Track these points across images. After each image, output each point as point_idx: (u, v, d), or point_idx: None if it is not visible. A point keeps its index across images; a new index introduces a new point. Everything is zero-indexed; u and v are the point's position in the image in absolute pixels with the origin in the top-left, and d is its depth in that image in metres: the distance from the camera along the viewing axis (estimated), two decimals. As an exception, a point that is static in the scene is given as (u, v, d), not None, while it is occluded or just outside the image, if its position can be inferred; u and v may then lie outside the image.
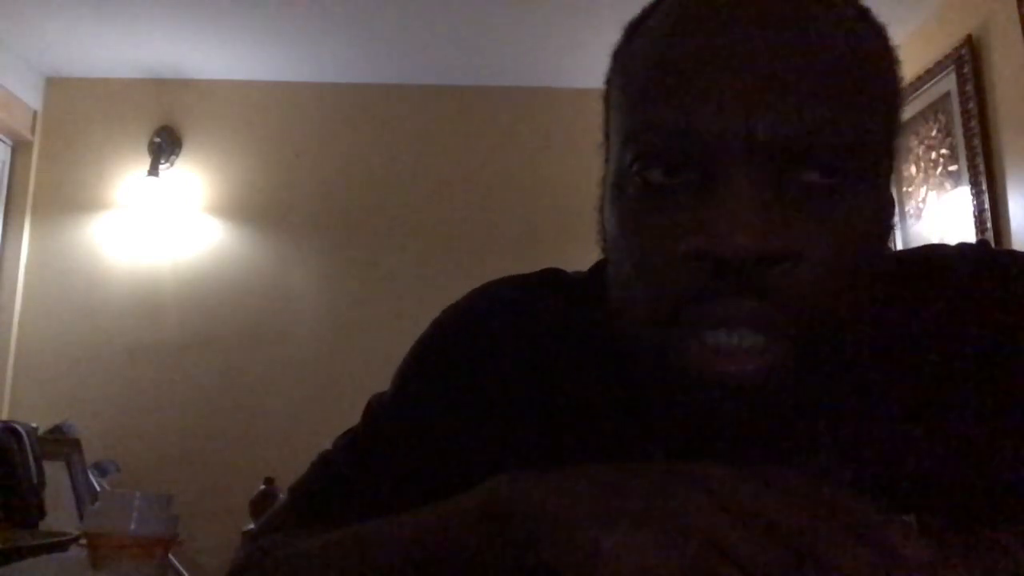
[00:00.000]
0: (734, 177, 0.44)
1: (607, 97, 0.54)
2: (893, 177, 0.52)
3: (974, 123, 2.52)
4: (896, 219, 0.52)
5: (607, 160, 0.53)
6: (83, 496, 2.56)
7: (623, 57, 0.53)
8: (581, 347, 0.57)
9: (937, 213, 2.73)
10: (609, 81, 0.54)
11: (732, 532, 0.35)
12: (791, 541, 0.35)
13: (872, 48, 0.49)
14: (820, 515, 0.36)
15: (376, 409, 0.63)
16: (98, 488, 2.62)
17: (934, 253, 0.58)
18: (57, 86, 3.39)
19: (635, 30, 0.53)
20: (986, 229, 2.47)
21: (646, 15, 0.53)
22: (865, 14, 0.51)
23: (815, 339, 0.45)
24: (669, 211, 0.46)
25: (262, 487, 2.37)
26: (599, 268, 0.63)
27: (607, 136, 0.54)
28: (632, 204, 0.48)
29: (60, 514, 2.35)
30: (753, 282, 0.43)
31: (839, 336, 0.46)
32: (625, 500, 0.38)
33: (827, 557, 0.34)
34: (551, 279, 0.63)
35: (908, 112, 2.87)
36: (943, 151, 2.69)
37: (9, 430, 2.27)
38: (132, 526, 1.03)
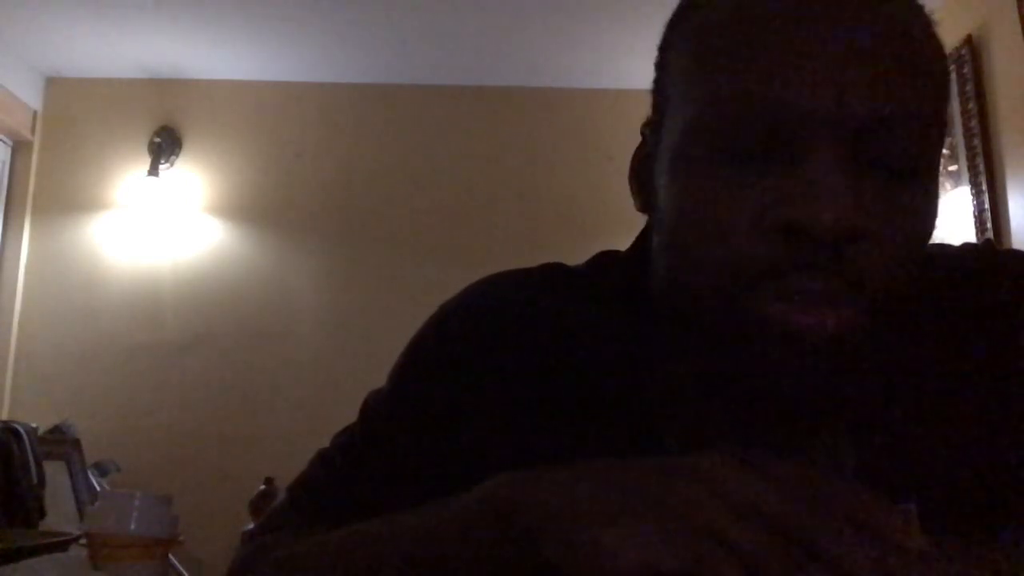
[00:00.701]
0: (822, 152, 0.44)
1: (663, 63, 0.53)
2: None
3: (974, 123, 2.52)
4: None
5: (661, 131, 0.52)
6: (83, 496, 2.56)
7: (689, 21, 0.51)
8: (582, 340, 0.57)
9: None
10: (669, 45, 0.53)
11: (732, 525, 0.35)
12: (791, 533, 0.35)
13: (937, 43, 0.49)
14: (820, 506, 0.36)
15: (373, 406, 0.63)
16: (98, 488, 2.62)
17: (939, 253, 0.58)
18: (57, 86, 3.39)
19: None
20: (986, 229, 2.47)
21: None
22: (925, 8, 0.51)
23: (884, 313, 0.46)
24: (750, 181, 0.46)
25: (262, 487, 2.37)
26: (600, 260, 0.63)
27: (662, 105, 0.53)
28: (707, 172, 0.47)
29: (60, 514, 2.35)
30: (834, 258, 0.43)
31: (898, 314, 0.47)
32: (625, 495, 0.38)
33: (827, 549, 0.34)
34: (550, 273, 0.63)
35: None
36: (943, 151, 2.69)
37: (9, 430, 2.28)
38: (132, 526, 1.03)
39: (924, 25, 0.48)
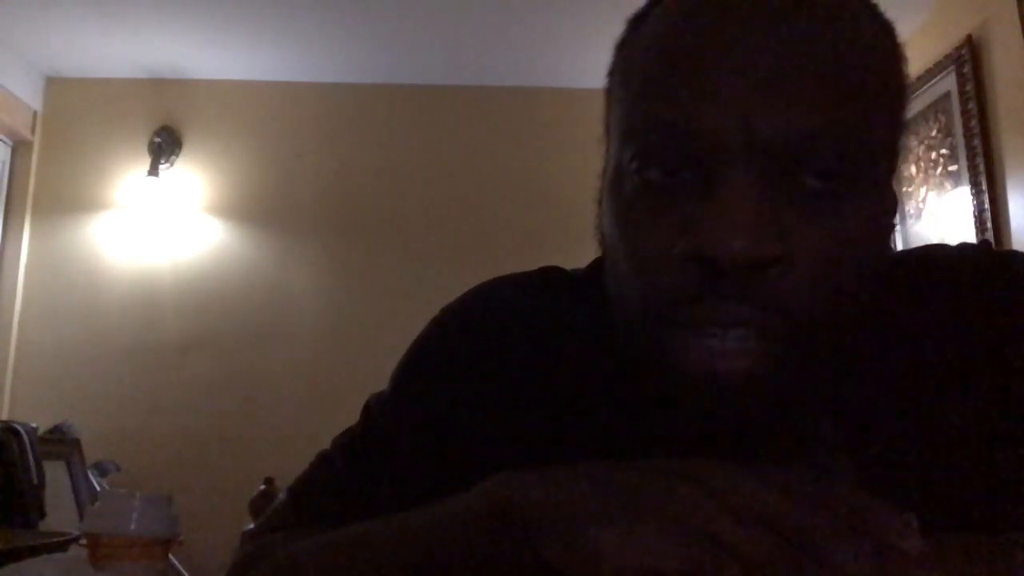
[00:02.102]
0: (732, 178, 0.43)
1: (609, 90, 0.53)
2: (895, 175, 0.51)
3: (974, 123, 2.52)
4: (897, 218, 0.51)
5: (605, 158, 0.53)
6: (83, 496, 2.56)
7: (625, 50, 0.52)
8: (580, 345, 0.57)
9: (937, 213, 2.73)
10: (611, 74, 0.53)
11: (732, 528, 0.35)
12: (790, 536, 0.35)
13: (878, 45, 0.48)
14: (818, 510, 0.36)
15: (374, 408, 0.63)
16: (98, 488, 2.62)
17: (935, 253, 0.58)
18: (57, 86, 3.39)
19: (639, 23, 0.52)
20: (986, 229, 2.47)
21: (649, 7, 0.52)
22: (872, 9, 0.50)
23: (807, 341, 0.44)
24: (666, 210, 0.45)
25: (262, 487, 2.36)
26: (598, 265, 0.63)
27: (607, 130, 0.53)
28: (629, 201, 0.48)
29: (60, 514, 2.35)
30: (746, 285, 0.43)
31: (834, 337, 0.46)
32: (625, 497, 0.38)
33: (825, 552, 0.34)
34: (550, 277, 0.63)
35: (908, 112, 2.86)
36: (943, 151, 2.69)
37: (9, 430, 2.28)
38: (132, 526, 1.03)
39: (855, 38, 0.46)
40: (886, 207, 0.49)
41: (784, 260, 0.43)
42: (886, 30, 0.50)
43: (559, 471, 0.41)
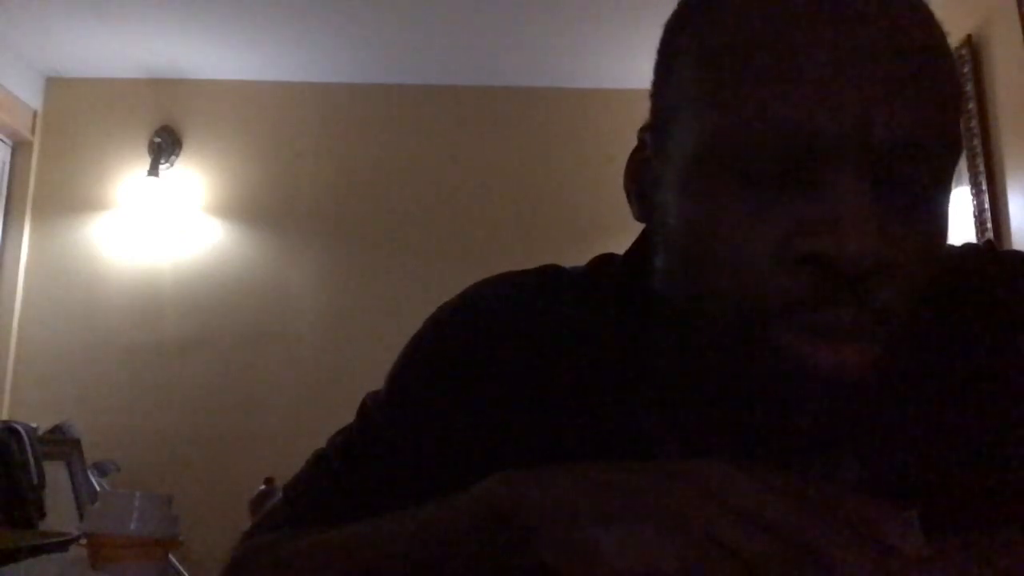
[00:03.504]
0: (846, 180, 0.42)
1: (667, 69, 0.50)
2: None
3: (974, 123, 2.52)
4: None
5: (660, 137, 0.50)
6: (83, 496, 2.56)
7: (696, 27, 0.48)
8: (580, 343, 0.57)
9: (937, 213, 2.73)
10: (673, 50, 0.50)
11: (732, 528, 0.35)
12: (791, 537, 0.35)
13: (952, 59, 0.48)
14: (820, 512, 0.36)
15: (371, 407, 0.63)
16: (98, 488, 2.62)
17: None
18: (57, 86, 3.39)
19: (704, 4, 0.49)
20: (986, 229, 2.47)
21: None
22: (940, 23, 0.50)
23: (900, 340, 0.45)
24: (770, 209, 0.44)
25: (262, 487, 2.36)
26: (599, 263, 0.63)
27: (663, 122, 0.51)
28: (722, 198, 0.45)
29: (60, 514, 2.35)
30: (858, 290, 0.42)
31: (913, 338, 0.46)
32: (624, 497, 0.38)
33: (826, 553, 0.34)
34: (549, 275, 0.62)
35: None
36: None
37: (9, 430, 2.28)
38: (132, 526, 1.03)
39: (943, 43, 0.47)
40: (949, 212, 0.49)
41: (894, 265, 0.43)
42: (947, 38, 0.50)
43: (557, 471, 0.41)
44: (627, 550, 0.36)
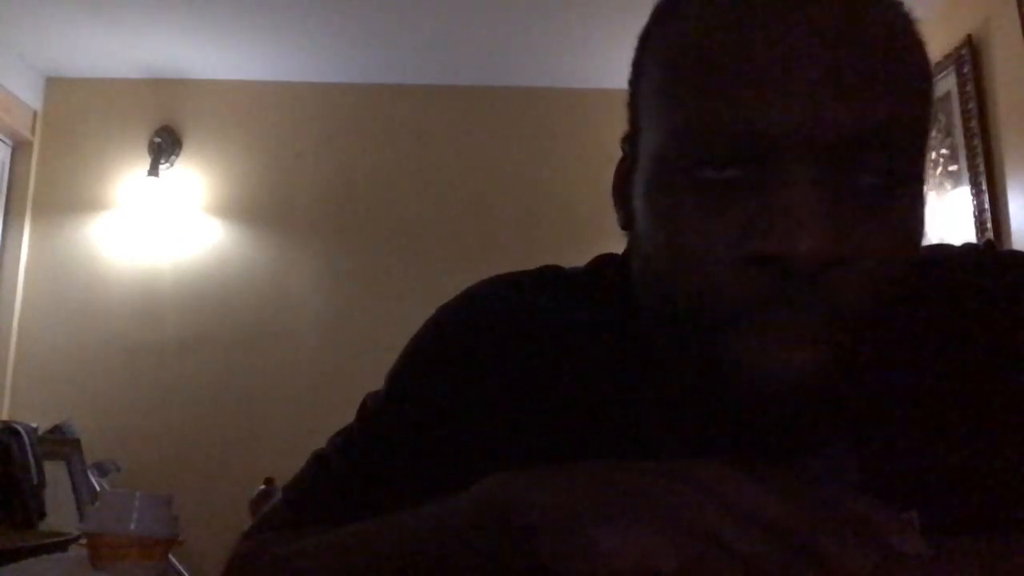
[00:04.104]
0: (797, 176, 0.42)
1: (636, 82, 0.51)
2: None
3: (974, 123, 2.52)
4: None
5: (636, 153, 0.51)
6: (83, 496, 2.56)
7: (657, 41, 0.50)
8: (579, 343, 0.57)
9: (937, 213, 2.73)
10: (642, 68, 0.51)
11: (732, 528, 0.35)
12: (790, 537, 0.35)
13: (918, 47, 0.47)
14: (819, 511, 0.36)
15: (371, 407, 0.63)
16: (98, 488, 2.62)
17: (939, 253, 0.58)
18: (57, 86, 3.39)
19: (668, 14, 0.50)
20: (986, 229, 2.47)
21: None
22: (907, 10, 0.49)
23: (864, 340, 0.44)
24: (722, 209, 0.44)
25: (262, 487, 2.36)
26: (598, 263, 0.63)
27: (636, 127, 0.52)
28: (678, 200, 0.45)
29: (60, 514, 2.36)
30: (812, 288, 0.42)
31: (878, 337, 0.45)
32: (624, 497, 0.38)
33: (826, 553, 0.34)
34: (548, 276, 0.62)
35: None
36: (943, 151, 2.69)
37: (9, 430, 2.28)
38: (132, 526, 1.03)
39: (905, 30, 0.46)
40: (923, 204, 0.48)
41: (851, 259, 0.42)
42: (919, 33, 0.49)
43: (557, 471, 0.41)
44: (626, 550, 0.35)
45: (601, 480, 0.39)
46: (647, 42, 0.51)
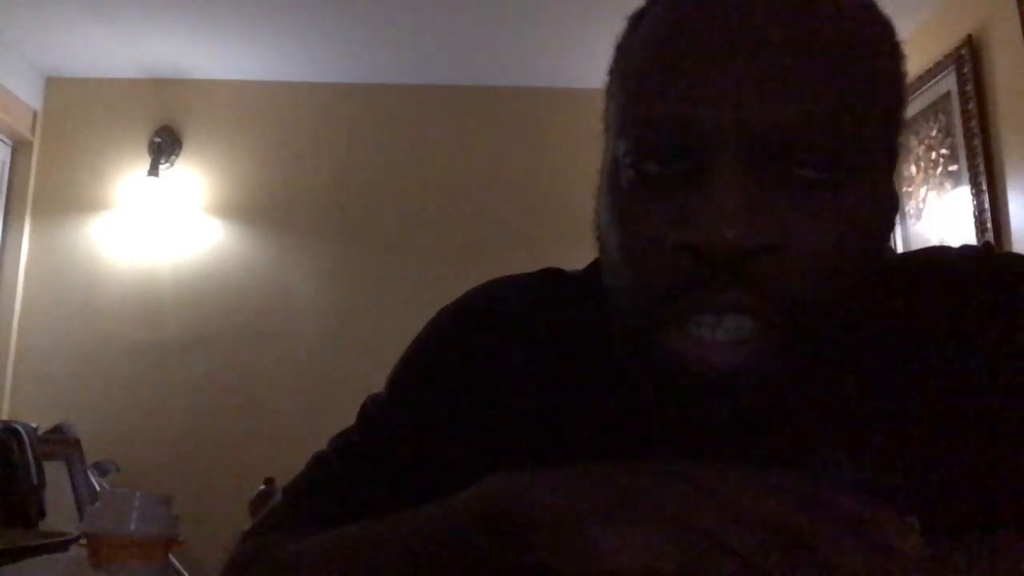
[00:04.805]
0: (724, 168, 0.44)
1: (608, 89, 0.54)
2: (895, 174, 0.51)
3: (974, 123, 2.52)
4: (897, 218, 0.52)
5: (604, 152, 0.54)
6: (83, 496, 2.56)
7: (624, 49, 0.53)
8: (579, 345, 0.57)
9: (937, 213, 2.73)
10: (611, 72, 0.54)
11: (732, 528, 0.35)
12: (789, 537, 0.35)
13: (874, 41, 0.48)
14: (818, 511, 0.36)
15: (371, 409, 0.63)
16: (98, 488, 2.62)
17: (938, 255, 0.58)
18: (57, 86, 3.39)
19: (637, 22, 0.53)
20: (986, 229, 2.47)
21: (648, 7, 0.53)
22: (870, 7, 0.50)
23: (802, 329, 0.45)
24: (660, 201, 0.46)
25: (262, 487, 2.36)
26: (596, 264, 0.63)
27: (605, 128, 0.54)
28: (623, 194, 0.48)
29: (60, 514, 2.35)
30: (738, 273, 0.43)
31: (829, 328, 0.46)
32: (623, 497, 0.38)
33: (824, 552, 0.34)
34: (549, 278, 0.63)
35: (908, 112, 2.87)
36: (943, 151, 2.69)
37: (9, 430, 2.28)
38: (132, 526, 1.02)
39: (844, 27, 0.47)
40: (883, 204, 0.49)
41: (777, 248, 0.44)
42: (883, 27, 0.50)
43: (556, 472, 0.41)
44: (626, 550, 0.36)
45: (600, 480, 0.40)
46: (617, 52, 0.54)
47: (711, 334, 0.44)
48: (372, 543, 0.49)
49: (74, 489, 2.58)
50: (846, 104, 0.45)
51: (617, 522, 0.37)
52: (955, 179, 2.63)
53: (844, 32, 0.46)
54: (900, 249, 1.84)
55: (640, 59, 0.49)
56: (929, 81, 2.71)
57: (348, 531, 0.52)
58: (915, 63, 2.75)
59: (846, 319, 0.47)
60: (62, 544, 1.31)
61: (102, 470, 2.81)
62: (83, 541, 1.09)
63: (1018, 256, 0.58)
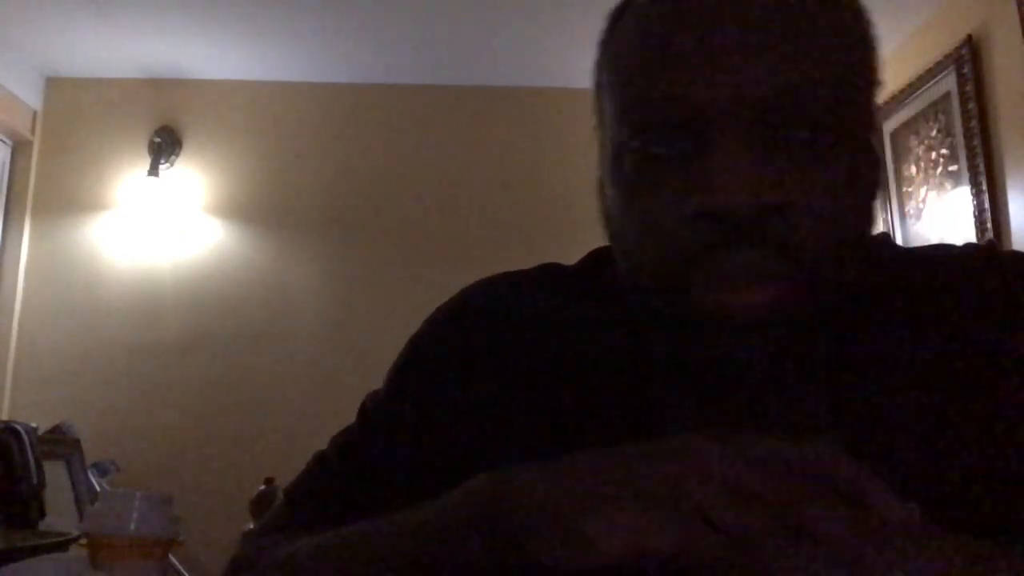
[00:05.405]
0: (727, 137, 0.46)
1: (598, 84, 0.56)
2: (876, 134, 0.54)
3: (974, 123, 2.52)
4: (881, 177, 0.55)
5: (602, 144, 0.55)
6: (83, 496, 2.56)
7: (609, 43, 0.55)
8: (579, 338, 0.57)
9: (937, 213, 2.73)
10: (599, 67, 0.56)
11: (718, 504, 0.35)
12: (776, 509, 0.35)
13: (844, 8, 0.51)
14: (809, 483, 0.36)
15: (370, 407, 0.63)
16: (98, 488, 2.62)
17: (939, 251, 0.59)
18: (57, 86, 3.38)
19: (619, 17, 0.55)
20: (986, 229, 2.47)
21: (626, 4, 0.55)
22: None
23: (817, 279, 0.47)
24: (670, 177, 0.48)
25: (262, 487, 2.36)
26: (592, 258, 0.63)
27: (600, 121, 0.56)
28: (633, 176, 0.50)
29: (60, 514, 2.35)
30: (755, 232, 0.45)
31: (838, 283, 0.48)
32: (606, 482, 0.38)
33: (813, 523, 0.34)
34: (547, 272, 0.64)
35: (908, 112, 2.87)
36: (943, 151, 2.69)
37: (9, 430, 2.28)
38: (132, 526, 1.03)
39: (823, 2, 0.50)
40: (870, 161, 0.52)
41: (787, 205, 0.46)
42: None
43: (544, 466, 0.41)
44: (615, 534, 0.35)
45: (586, 469, 0.40)
46: (602, 47, 0.56)
47: (739, 285, 0.46)
48: (369, 543, 0.49)
49: (74, 489, 2.58)
50: (830, 66, 0.48)
51: (605, 508, 0.36)
52: (955, 179, 2.63)
53: (816, 3, 0.49)
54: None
55: (631, 46, 0.51)
56: (929, 81, 2.71)
57: (346, 531, 0.52)
58: (915, 63, 2.75)
59: (848, 274, 0.49)
60: (62, 544, 1.31)
61: (102, 470, 2.81)
62: (83, 541, 1.09)
63: (1019, 254, 0.58)
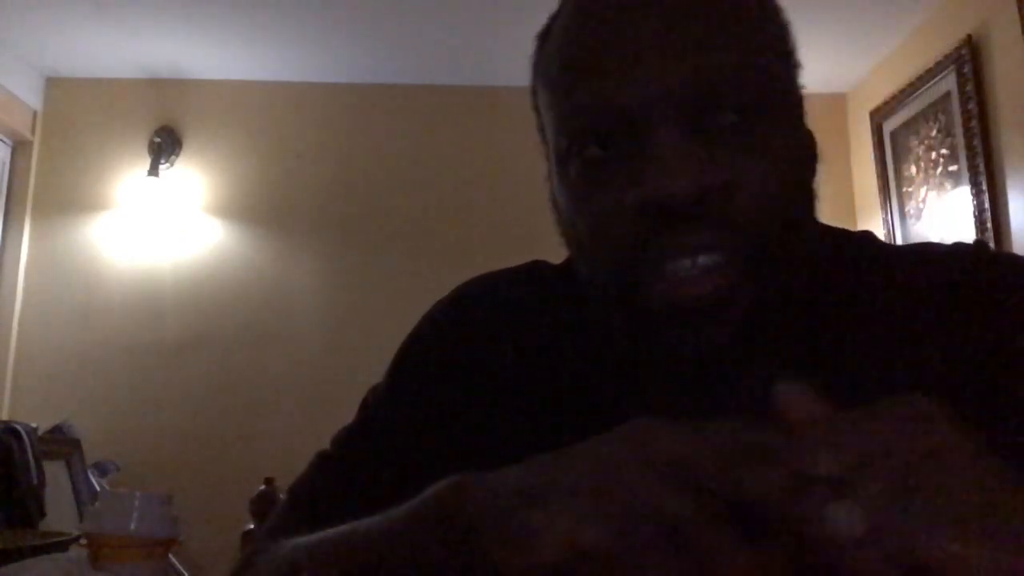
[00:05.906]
0: (658, 131, 0.48)
1: (535, 101, 0.58)
2: (804, 115, 0.56)
3: (974, 123, 2.52)
4: (819, 151, 0.58)
5: (546, 155, 0.58)
6: (83, 496, 2.56)
7: (539, 61, 0.58)
8: (569, 333, 0.59)
9: (937, 213, 2.73)
10: (534, 85, 0.58)
11: (659, 491, 0.34)
12: (722, 495, 0.34)
13: (757, 4, 0.54)
14: (752, 459, 0.34)
15: (371, 403, 0.64)
16: (98, 488, 2.62)
17: (929, 249, 0.59)
18: (57, 86, 3.38)
19: (545, 37, 0.58)
20: (986, 229, 2.47)
21: (552, 21, 0.58)
22: None
23: (764, 256, 0.49)
24: (610, 176, 0.50)
25: (262, 487, 2.36)
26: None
27: (542, 134, 0.58)
28: (576, 182, 0.52)
29: (60, 514, 2.35)
30: (696, 216, 0.47)
31: (786, 260, 0.50)
32: (554, 476, 0.37)
33: (761, 506, 0.33)
34: (537, 270, 0.66)
35: (908, 112, 2.87)
36: (943, 151, 2.69)
37: (9, 430, 2.28)
38: (132, 526, 1.03)
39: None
40: (803, 140, 0.54)
41: (724, 186, 0.48)
42: None
43: (502, 469, 0.41)
44: (554, 530, 0.35)
45: (535, 467, 0.39)
46: (535, 68, 0.59)
47: (687, 270, 0.48)
48: (367, 542, 0.49)
49: (74, 489, 2.58)
50: (746, 48, 0.50)
51: (548, 502, 0.36)
52: (955, 179, 2.63)
53: None
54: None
55: (558, 60, 0.54)
56: (929, 81, 2.71)
57: (345, 531, 0.52)
58: (915, 63, 2.75)
59: (797, 250, 0.51)
60: (62, 544, 1.31)
61: (102, 470, 2.81)
62: (83, 541, 1.09)
63: (1009, 255, 0.58)
